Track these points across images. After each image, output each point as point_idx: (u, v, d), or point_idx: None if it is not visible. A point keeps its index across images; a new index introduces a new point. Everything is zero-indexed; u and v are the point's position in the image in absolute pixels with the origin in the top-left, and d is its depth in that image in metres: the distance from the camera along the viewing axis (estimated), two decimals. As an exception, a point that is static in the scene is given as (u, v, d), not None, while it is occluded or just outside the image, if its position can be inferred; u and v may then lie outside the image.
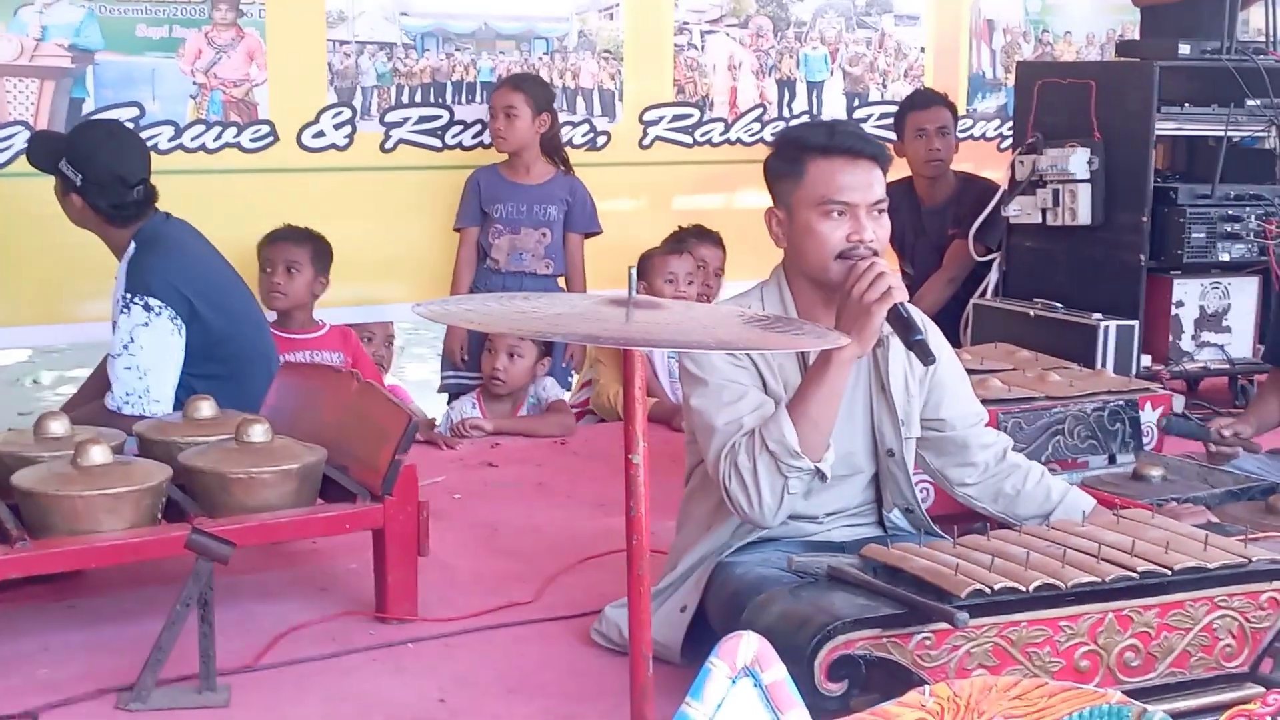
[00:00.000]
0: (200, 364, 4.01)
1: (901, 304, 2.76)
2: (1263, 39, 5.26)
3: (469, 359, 5.43)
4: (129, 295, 3.95)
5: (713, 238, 5.47)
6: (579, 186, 5.50)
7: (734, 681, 1.77)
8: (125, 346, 3.94)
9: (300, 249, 4.99)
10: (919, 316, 2.96)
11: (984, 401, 3.36)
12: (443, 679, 2.94)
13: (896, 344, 2.91)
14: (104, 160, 4.07)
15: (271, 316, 4.81)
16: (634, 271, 2.19)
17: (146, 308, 3.93)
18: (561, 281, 5.48)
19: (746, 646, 1.78)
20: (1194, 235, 4.97)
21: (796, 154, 2.92)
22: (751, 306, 2.89)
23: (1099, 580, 2.40)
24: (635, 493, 2.24)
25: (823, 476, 2.80)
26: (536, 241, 5.41)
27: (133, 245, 4.04)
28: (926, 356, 2.78)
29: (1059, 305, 5.09)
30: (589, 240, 5.53)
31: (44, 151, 4.15)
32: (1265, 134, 5.10)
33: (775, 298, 2.96)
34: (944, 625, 2.29)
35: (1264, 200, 5.10)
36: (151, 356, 3.94)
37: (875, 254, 2.84)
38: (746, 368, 2.90)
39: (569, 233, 5.47)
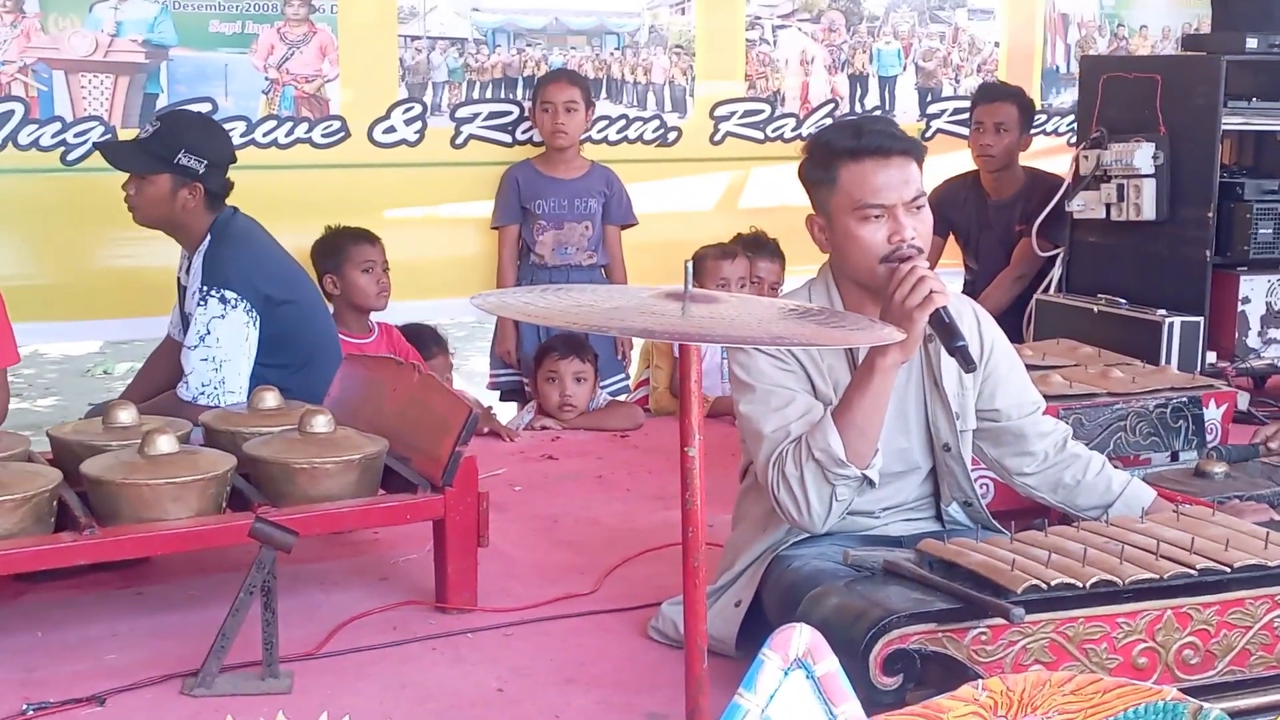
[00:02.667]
0: (271, 355, 4.08)
1: (944, 308, 2.72)
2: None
3: (520, 358, 5.46)
4: (206, 288, 4.01)
5: (770, 248, 5.43)
6: (614, 179, 5.53)
7: (786, 673, 1.77)
8: (202, 338, 4.00)
9: (376, 248, 5.03)
10: (976, 313, 2.95)
11: (1046, 398, 3.34)
12: (500, 669, 2.97)
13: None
14: (221, 143, 4.22)
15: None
16: (690, 265, 2.20)
17: (223, 300, 3.99)
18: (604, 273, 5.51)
19: (799, 638, 1.78)
20: (1260, 231, 4.93)
21: (827, 159, 2.89)
22: None
23: (1157, 577, 2.38)
24: (691, 485, 2.25)
25: (870, 483, 2.79)
26: (581, 234, 5.45)
27: (209, 238, 4.11)
28: (968, 364, 2.75)
29: (1123, 301, 5.06)
30: (629, 232, 5.56)
31: (141, 155, 4.16)
32: (1333, 129, 5.04)
33: (823, 297, 2.95)
34: (1000, 620, 2.29)
35: (1332, 196, 5.04)
36: (227, 348, 4.00)
37: (920, 250, 2.82)
38: (794, 371, 2.89)
39: (607, 225, 5.50)
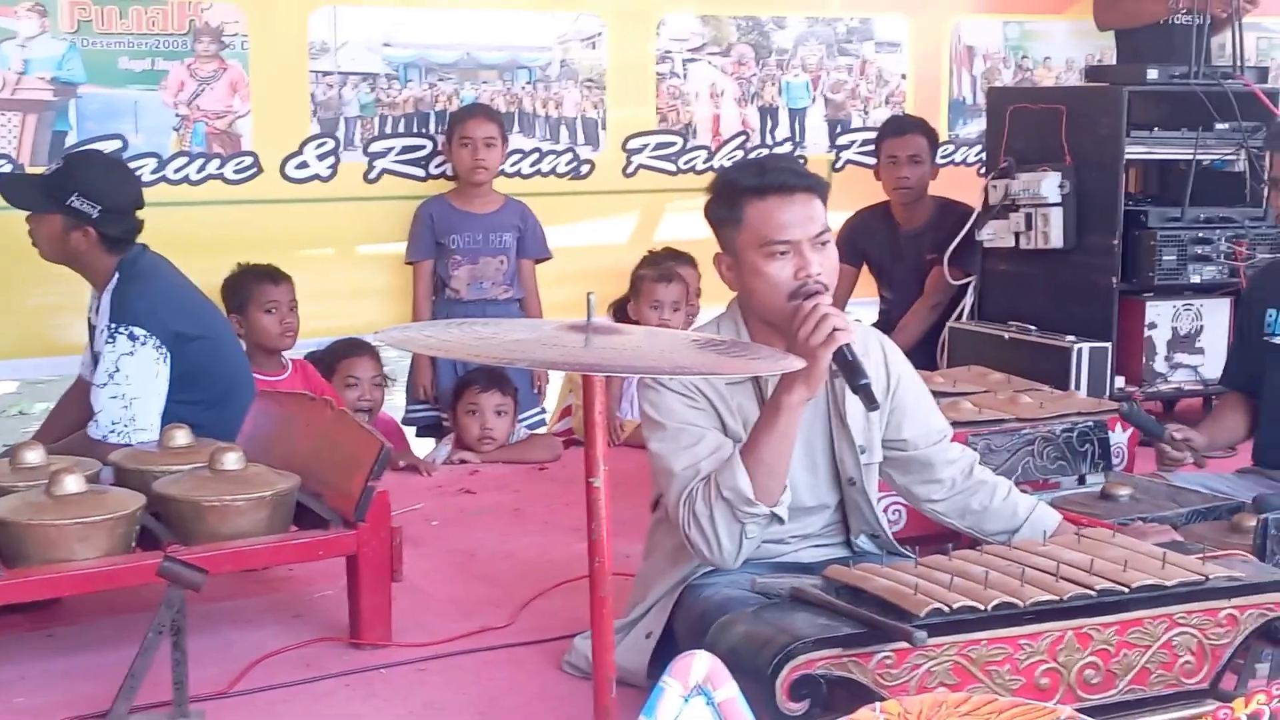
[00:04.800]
0: (183, 392, 4.04)
1: (847, 346, 2.74)
2: (1231, 64, 5.30)
3: (434, 392, 5.45)
4: (114, 325, 3.98)
5: (687, 259, 5.49)
6: (528, 212, 5.56)
7: (686, 700, 1.79)
8: (111, 376, 3.96)
9: (281, 288, 5.01)
10: (883, 346, 3.00)
11: (955, 424, 3.39)
12: (414, 704, 2.96)
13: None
14: (119, 188, 4.14)
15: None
16: (593, 298, 2.22)
17: (132, 337, 3.96)
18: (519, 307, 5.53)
19: (699, 665, 1.80)
20: (1165, 258, 5.02)
21: (732, 198, 2.91)
22: None
23: (1057, 598, 2.42)
24: (596, 515, 2.28)
25: (779, 519, 2.82)
26: (496, 269, 5.47)
27: (116, 275, 4.08)
28: (871, 403, 2.78)
29: (1033, 328, 5.14)
30: (544, 265, 5.59)
31: (36, 194, 4.11)
32: (1234, 157, 5.15)
33: (731, 332, 2.97)
34: (904, 644, 2.32)
35: (1234, 223, 5.15)
36: (137, 386, 3.96)
37: (825, 286, 2.84)
38: (704, 409, 2.90)
39: (522, 259, 5.53)
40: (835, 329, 2.72)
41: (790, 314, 2.81)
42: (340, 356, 5.09)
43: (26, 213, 4.14)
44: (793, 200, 2.86)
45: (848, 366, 2.75)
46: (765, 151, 6.09)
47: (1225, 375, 4.17)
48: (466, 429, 5.00)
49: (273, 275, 5.02)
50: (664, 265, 5.40)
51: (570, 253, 5.69)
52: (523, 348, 2.11)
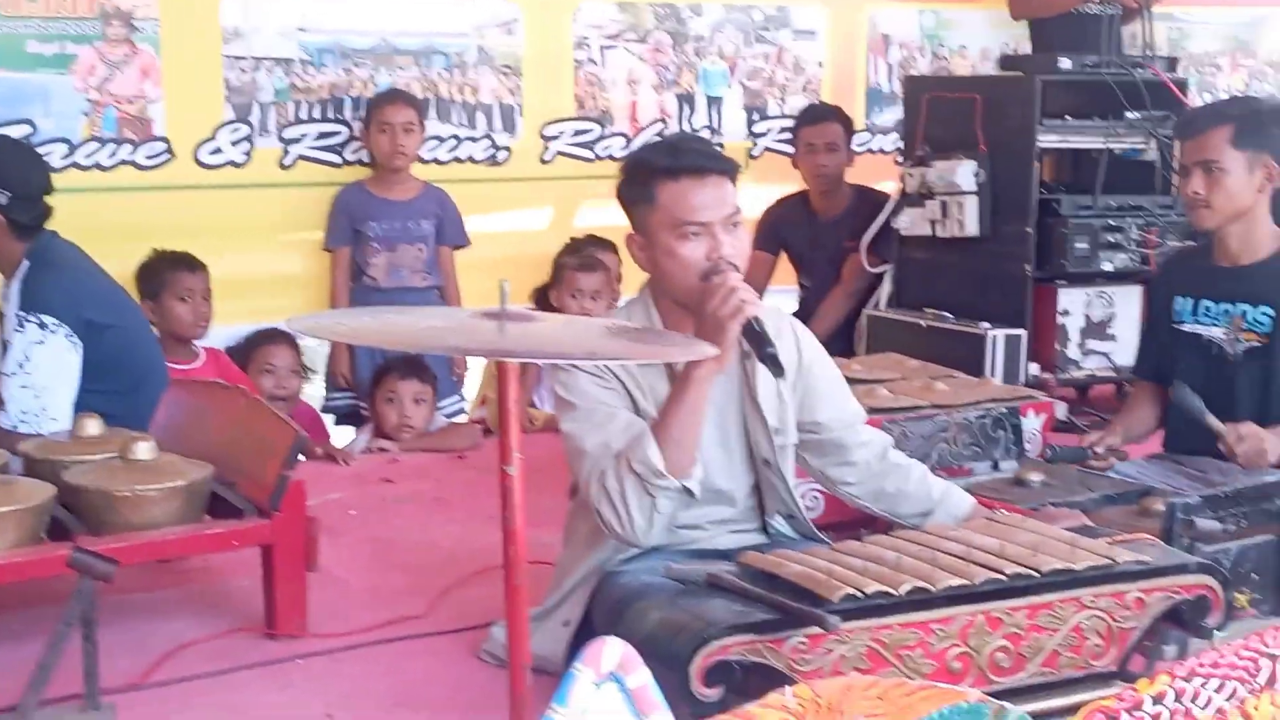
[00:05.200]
0: (96, 381, 3.98)
1: (755, 319, 2.77)
2: (1141, 53, 5.37)
3: (352, 380, 5.42)
4: (24, 313, 3.92)
5: (609, 245, 5.47)
6: (447, 199, 5.55)
7: (598, 686, 1.79)
8: (21, 365, 3.90)
9: (196, 275, 4.95)
10: (795, 329, 3.01)
11: (871, 411, 3.41)
12: (330, 694, 2.95)
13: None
14: (28, 173, 4.07)
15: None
16: (506, 285, 2.21)
17: (42, 325, 3.90)
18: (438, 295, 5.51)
19: (611, 652, 1.80)
20: (1077, 245, 5.08)
21: (645, 178, 2.92)
22: None
23: (969, 582, 2.45)
24: (510, 504, 2.26)
25: (690, 494, 2.82)
26: (414, 257, 5.45)
27: (25, 263, 4.01)
28: (777, 369, 2.80)
29: (949, 315, 5.18)
30: (463, 253, 5.58)
31: None
32: (1145, 146, 5.21)
33: (643, 316, 2.98)
34: (817, 629, 2.33)
35: (1145, 210, 5.22)
36: (47, 375, 3.90)
37: (736, 267, 2.85)
38: (614, 389, 2.91)
39: (440, 246, 5.51)
40: (744, 301, 2.74)
41: (701, 293, 2.82)
42: (257, 344, 5.05)
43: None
44: (705, 182, 2.87)
45: (755, 336, 2.78)
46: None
47: (1136, 366, 4.22)
48: (384, 417, 4.97)
49: (188, 263, 4.96)
50: (585, 253, 5.40)
51: (488, 240, 5.68)
52: (437, 334, 2.10)
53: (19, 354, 3.91)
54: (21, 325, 3.91)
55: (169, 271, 4.91)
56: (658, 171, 2.90)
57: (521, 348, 2.04)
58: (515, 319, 2.19)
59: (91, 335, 3.97)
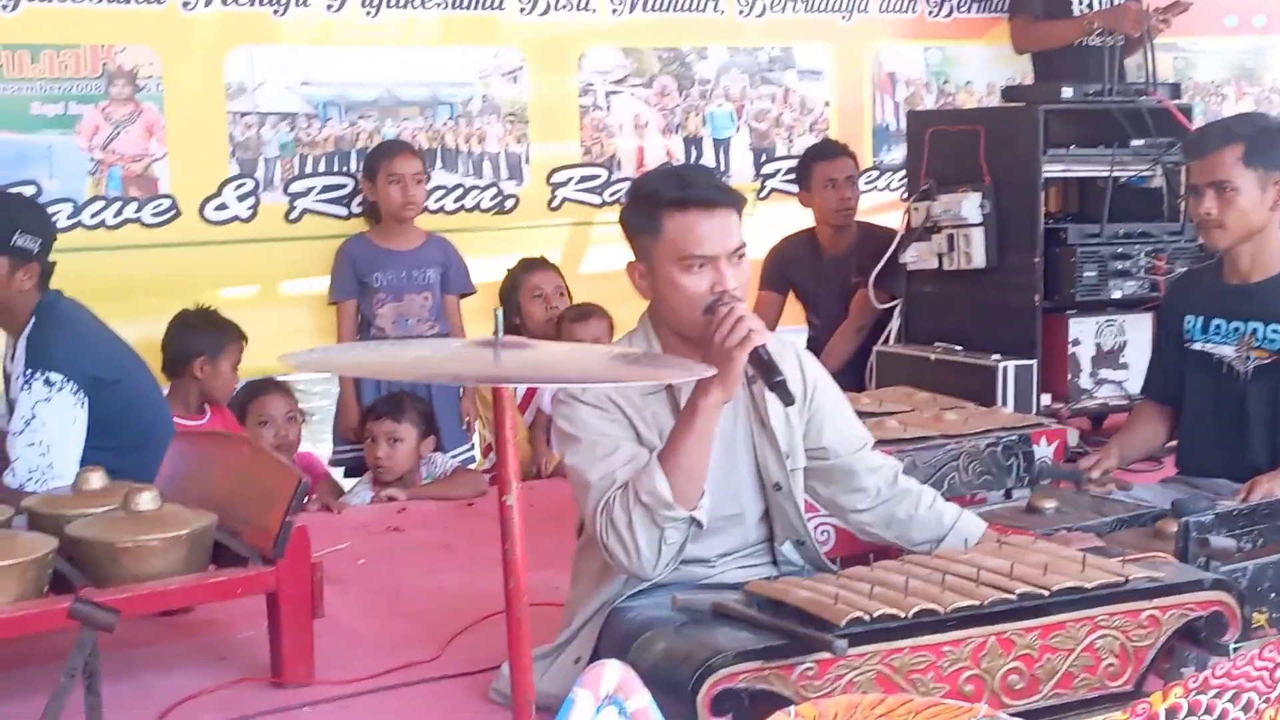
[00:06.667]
0: (101, 437, 3.98)
1: (762, 347, 2.74)
2: (1145, 81, 5.36)
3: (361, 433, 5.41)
4: (30, 370, 3.91)
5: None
6: (451, 248, 5.56)
7: (599, 710, 1.76)
8: (27, 423, 3.89)
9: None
10: (799, 355, 2.98)
11: (880, 442, 3.37)
12: (338, 740, 2.92)
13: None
14: (48, 223, 4.16)
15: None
16: (500, 313, 2.19)
17: (48, 383, 3.89)
18: None
19: (610, 675, 1.77)
20: (1085, 274, 5.05)
21: (651, 208, 2.89)
22: None
23: (978, 603, 2.41)
24: (510, 535, 2.23)
25: (698, 524, 2.79)
26: (421, 305, 5.45)
27: (32, 321, 4.01)
28: (787, 398, 2.77)
29: (959, 348, 5.14)
30: (469, 300, 5.59)
31: None
32: (1151, 173, 5.18)
33: (643, 345, 2.95)
34: (825, 655, 2.29)
35: (1152, 237, 5.19)
36: (54, 432, 3.89)
37: (739, 300, 2.83)
38: (617, 420, 2.88)
39: (446, 294, 5.52)
40: (751, 330, 2.72)
41: (704, 325, 2.80)
42: (251, 397, 5.04)
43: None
44: (713, 215, 2.84)
45: (763, 365, 2.75)
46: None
47: (1145, 386, 4.18)
48: (368, 459, 4.98)
49: (235, 333, 4.96)
50: (583, 306, 5.44)
51: (495, 287, 5.66)
52: (431, 363, 2.08)
53: (26, 411, 3.90)
54: (28, 383, 3.91)
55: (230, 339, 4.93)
56: (664, 202, 2.87)
57: (518, 373, 2.02)
58: (511, 346, 2.17)
59: (97, 391, 3.97)
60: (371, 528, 4.56)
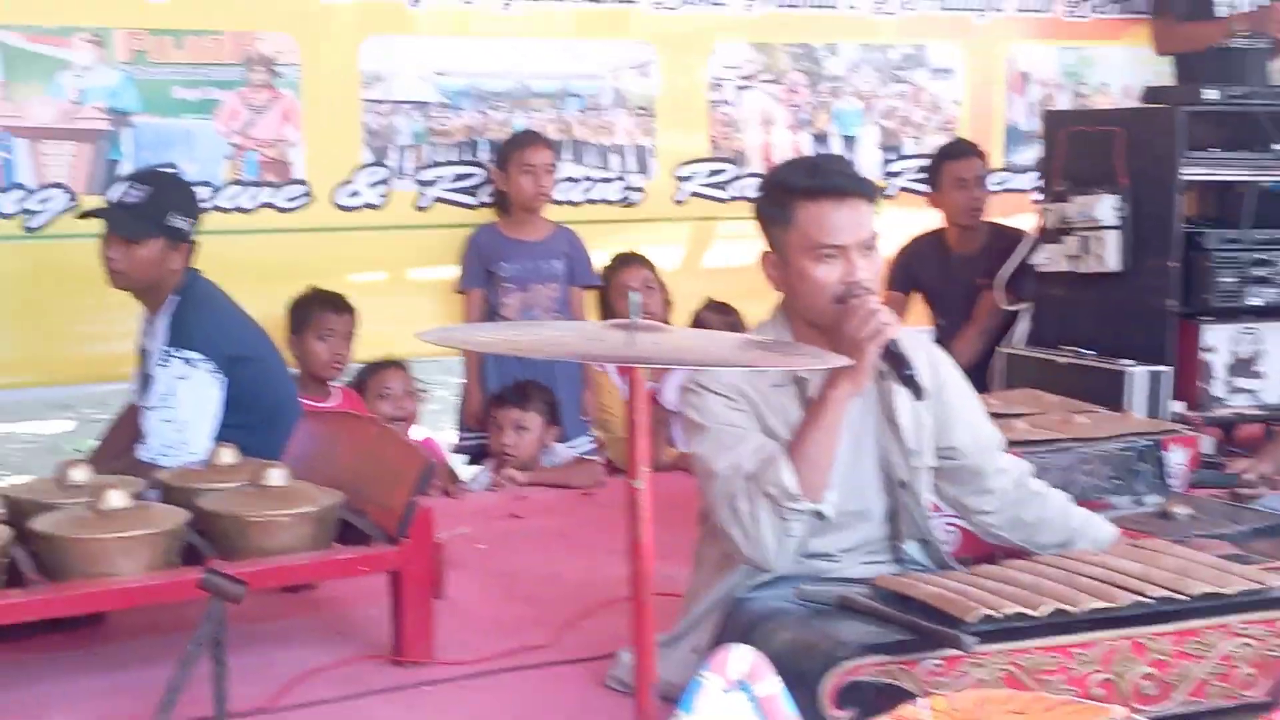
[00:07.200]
0: (233, 415, 4.04)
1: (894, 340, 2.72)
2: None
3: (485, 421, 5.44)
4: (171, 349, 3.98)
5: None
6: (576, 240, 5.57)
7: (727, 694, 1.74)
8: (164, 399, 3.96)
9: (342, 318, 5.02)
10: (931, 351, 2.94)
11: (1008, 444, 3.32)
12: (456, 719, 2.92)
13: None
14: (197, 203, 4.24)
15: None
16: (635, 297, 2.19)
17: (188, 361, 3.96)
18: None
19: (739, 659, 1.76)
20: (1223, 280, 4.92)
21: (783, 198, 2.87)
22: None
23: (1112, 605, 2.36)
24: (639, 518, 2.23)
25: (823, 517, 2.76)
26: (547, 296, 5.46)
27: (176, 299, 4.09)
28: (918, 392, 2.75)
29: (1089, 352, 5.04)
30: (593, 294, 5.61)
31: (139, 221, 4.08)
32: (1295, 178, 5.06)
33: (775, 335, 2.92)
34: (953, 651, 2.26)
35: (1295, 244, 5.06)
36: (190, 410, 3.96)
37: (870, 291, 2.80)
38: (744, 410, 2.86)
39: (570, 286, 5.53)
40: (883, 323, 2.69)
41: (834, 316, 2.78)
42: (371, 373, 5.11)
43: (89, 243, 4.16)
44: (844, 204, 2.82)
45: (894, 359, 2.73)
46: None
47: None
48: (492, 444, 5.01)
49: (335, 303, 5.03)
50: (621, 256, 5.54)
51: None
52: (566, 343, 2.08)
53: (164, 388, 3.97)
54: (168, 360, 3.98)
55: (314, 310, 4.99)
56: (796, 192, 2.85)
57: (652, 355, 2.01)
58: (644, 330, 2.16)
59: (233, 370, 4.03)
60: (490, 513, 4.59)
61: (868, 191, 2.89)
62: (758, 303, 4.50)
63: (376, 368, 5.13)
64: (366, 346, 5.18)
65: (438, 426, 6.21)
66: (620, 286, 5.44)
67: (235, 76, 5.21)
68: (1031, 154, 6.34)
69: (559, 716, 2.94)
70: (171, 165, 5.10)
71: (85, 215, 4.33)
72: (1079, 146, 5.22)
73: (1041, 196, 5.46)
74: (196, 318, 4.05)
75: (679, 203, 5.95)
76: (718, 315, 5.35)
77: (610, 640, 3.23)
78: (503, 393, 5.08)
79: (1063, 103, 6.53)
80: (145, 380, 4.21)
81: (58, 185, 4.99)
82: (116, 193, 4.22)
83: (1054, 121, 5.50)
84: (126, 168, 5.05)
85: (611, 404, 5.49)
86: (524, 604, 3.69)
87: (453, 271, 5.53)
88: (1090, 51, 6.62)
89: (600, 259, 5.61)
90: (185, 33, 5.12)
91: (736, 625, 2.81)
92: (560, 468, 5.05)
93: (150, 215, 4.07)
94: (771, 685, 1.74)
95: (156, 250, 4.08)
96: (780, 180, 2.95)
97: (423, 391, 5.28)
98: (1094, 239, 5.05)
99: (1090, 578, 2.45)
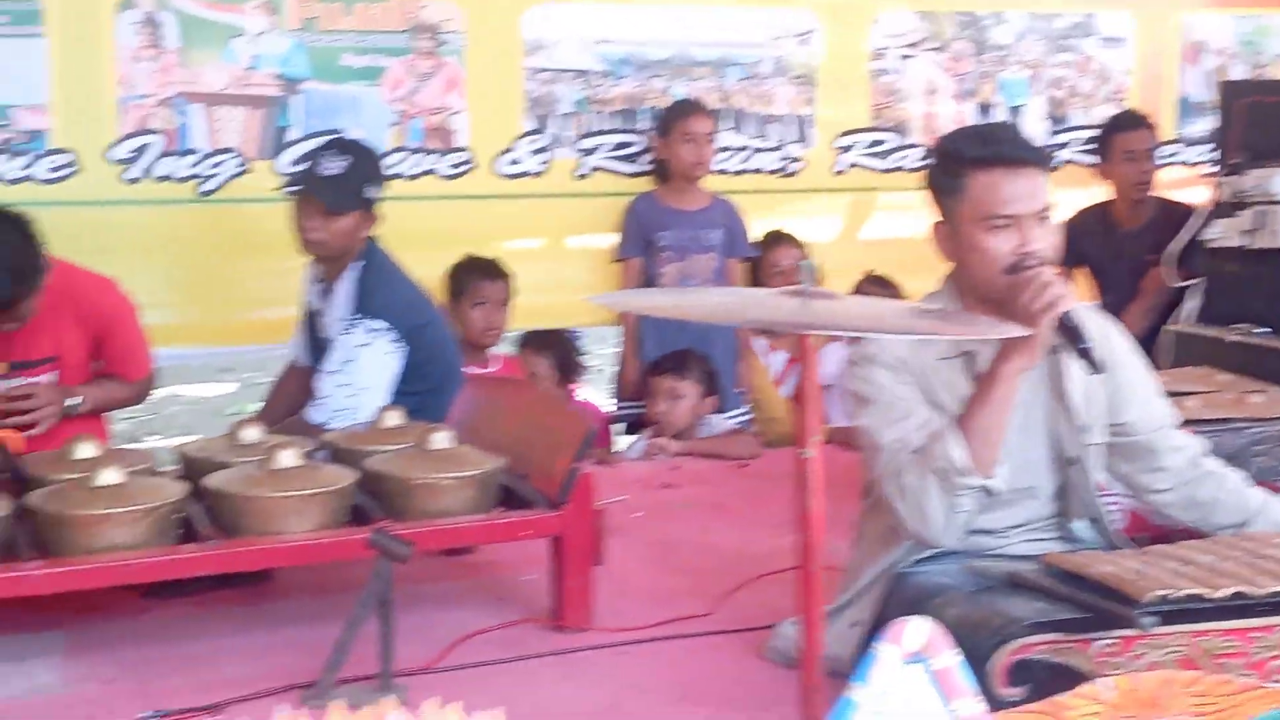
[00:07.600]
0: (406, 382, 4.10)
1: (1069, 312, 2.66)
2: None
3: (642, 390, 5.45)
4: (356, 315, 4.05)
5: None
6: (734, 211, 5.54)
7: (904, 666, 1.72)
8: (344, 365, 4.02)
9: (497, 285, 5.06)
10: (1105, 324, 2.87)
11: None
12: (615, 686, 2.94)
13: (1074, 348, 2.82)
14: (382, 172, 4.29)
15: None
16: (809, 263, 2.17)
17: (370, 330, 4.02)
18: None
19: (916, 631, 1.73)
20: None
21: (955, 167, 2.81)
22: None
23: (1295, 590, 2.29)
24: (809, 488, 2.21)
25: (990, 493, 2.72)
26: (705, 266, 5.45)
27: (359, 265, 4.14)
28: (1094, 366, 2.68)
29: (1263, 330, 4.89)
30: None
31: (346, 194, 4.13)
32: None
33: (945, 305, 2.87)
34: (1128, 631, 2.21)
35: None
36: (368, 376, 4.02)
37: (1045, 263, 2.74)
38: (911, 383, 2.82)
39: (727, 257, 5.50)
40: (1058, 295, 2.64)
41: (1006, 288, 2.72)
42: (467, 276, 5.09)
43: (259, 206, 4.24)
44: (1018, 173, 2.76)
45: (1069, 332, 2.67)
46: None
47: None
48: (647, 414, 5.04)
49: (489, 270, 5.07)
50: (772, 234, 5.54)
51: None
52: (736, 309, 2.07)
53: (345, 354, 4.03)
54: (351, 328, 4.04)
55: (469, 277, 5.04)
56: (967, 161, 2.79)
57: (827, 321, 1.99)
58: (818, 296, 2.14)
59: (412, 340, 4.09)
60: (647, 482, 4.61)
61: (1042, 160, 2.83)
62: (916, 277, 4.52)
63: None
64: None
65: (594, 393, 6.24)
66: (770, 264, 5.43)
67: (401, 44, 5.26)
68: (1203, 126, 6.17)
69: (719, 685, 2.94)
70: (338, 131, 5.19)
71: (288, 188, 4.38)
72: (1257, 118, 5.05)
73: (1215, 169, 5.31)
74: (382, 287, 4.11)
75: (838, 173, 5.89)
76: (878, 288, 5.30)
77: (768, 613, 3.22)
78: (660, 361, 5.09)
79: (1238, 73, 6.33)
80: (315, 343, 4.28)
81: (229, 150, 5.09)
82: (316, 164, 4.22)
83: (1230, 92, 5.33)
84: (295, 134, 5.15)
85: (761, 383, 5.47)
86: (680, 574, 3.69)
87: (609, 240, 5.54)
88: (1268, 20, 6.40)
89: (758, 229, 5.58)
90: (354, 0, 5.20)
91: (900, 600, 2.78)
92: (715, 438, 5.04)
93: (351, 188, 4.13)
94: (948, 658, 1.71)
95: (353, 221, 4.14)
96: (951, 148, 2.89)
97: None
98: (1270, 214, 4.88)
99: (1271, 559, 2.38)
